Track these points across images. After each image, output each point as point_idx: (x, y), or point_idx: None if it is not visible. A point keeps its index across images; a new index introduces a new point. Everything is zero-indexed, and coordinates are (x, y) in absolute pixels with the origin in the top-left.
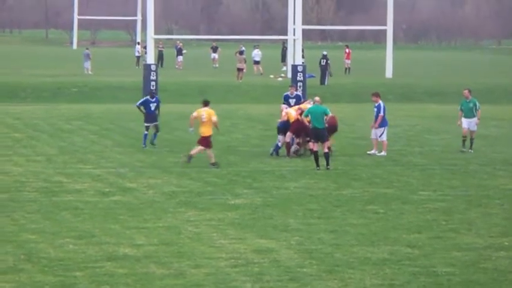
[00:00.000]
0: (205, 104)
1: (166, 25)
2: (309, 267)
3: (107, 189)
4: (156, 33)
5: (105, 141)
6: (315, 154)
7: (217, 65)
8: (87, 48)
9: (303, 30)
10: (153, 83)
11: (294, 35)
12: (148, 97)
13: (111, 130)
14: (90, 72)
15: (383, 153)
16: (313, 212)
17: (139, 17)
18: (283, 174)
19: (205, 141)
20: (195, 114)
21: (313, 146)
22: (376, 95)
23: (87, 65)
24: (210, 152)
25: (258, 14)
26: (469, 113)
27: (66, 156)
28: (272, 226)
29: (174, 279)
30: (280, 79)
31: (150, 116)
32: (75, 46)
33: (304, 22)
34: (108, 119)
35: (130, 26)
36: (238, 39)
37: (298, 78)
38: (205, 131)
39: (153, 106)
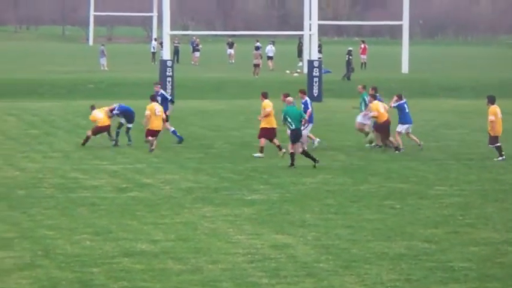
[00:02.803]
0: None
1: (182, 21)
2: (326, 263)
3: (124, 185)
4: (172, 29)
5: (121, 137)
6: (292, 155)
7: (233, 61)
8: (102, 45)
9: (319, 25)
10: (169, 79)
11: (310, 30)
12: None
13: None
14: (106, 69)
15: (305, 145)
16: (329, 207)
17: (155, 13)
18: (299, 170)
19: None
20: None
21: (291, 147)
22: (303, 91)
23: (103, 61)
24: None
25: (273, 9)
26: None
27: (82, 152)
28: (289, 222)
29: (191, 275)
30: (296, 74)
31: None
32: (91, 42)
33: (320, 17)
34: None
35: (147, 22)
36: (254, 35)
37: (314, 73)
38: None
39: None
